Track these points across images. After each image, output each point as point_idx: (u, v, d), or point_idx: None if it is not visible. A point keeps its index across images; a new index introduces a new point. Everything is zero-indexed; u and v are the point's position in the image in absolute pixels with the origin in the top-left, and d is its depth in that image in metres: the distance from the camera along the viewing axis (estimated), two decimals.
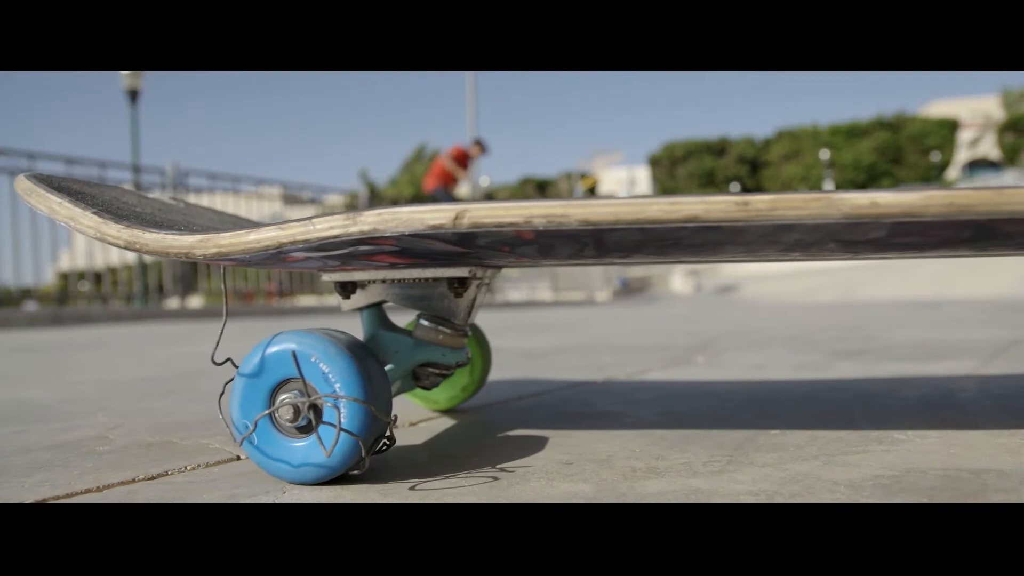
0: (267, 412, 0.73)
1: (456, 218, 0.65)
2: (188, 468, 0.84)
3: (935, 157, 43.92)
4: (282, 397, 0.73)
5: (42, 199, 0.78)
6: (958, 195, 0.59)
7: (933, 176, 43.28)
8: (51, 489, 0.76)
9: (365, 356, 0.75)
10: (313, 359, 0.72)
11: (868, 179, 43.75)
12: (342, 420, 0.71)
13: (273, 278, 9.16)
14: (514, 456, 0.86)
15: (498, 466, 0.81)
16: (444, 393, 1.17)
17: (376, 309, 0.91)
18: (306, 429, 0.74)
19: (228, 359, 0.72)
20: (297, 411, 0.73)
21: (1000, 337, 2.36)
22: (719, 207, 0.61)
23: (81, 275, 9.89)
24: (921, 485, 0.69)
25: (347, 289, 0.91)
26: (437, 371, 0.91)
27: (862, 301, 8.09)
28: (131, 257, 8.66)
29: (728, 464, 0.79)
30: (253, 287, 8.79)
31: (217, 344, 0.74)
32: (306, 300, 8.54)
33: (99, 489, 0.76)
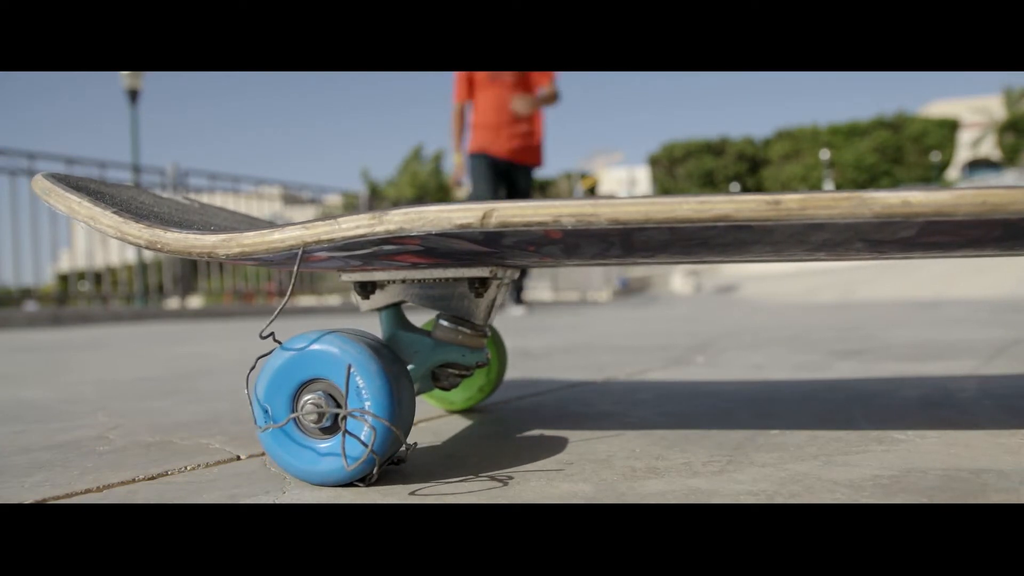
0: (293, 416, 0.73)
1: (484, 217, 0.64)
2: (188, 468, 0.84)
3: (935, 157, 43.95)
4: (306, 397, 0.73)
5: (61, 198, 0.77)
6: (991, 194, 0.58)
7: (933, 176, 43.29)
8: (51, 489, 0.76)
9: (401, 377, 0.75)
10: (352, 370, 0.72)
11: (868, 179, 43.77)
12: (364, 435, 0.71)
13: (273, 278, 9.15)
14: (514, 456, 0.86)
15: (498, 466, 0.81)
16: (461, 394, 1.17)
17: (395, 309, 0.91)
18: (326, 431, 0.74)
19: (271, 334, 0.72)
20: (322, 415, 0.73)
21: (1000, 337, 2.36)
22: (749, 206, 0.61)
23: (81, 275, 9.89)
24: (921, 485, 0.69)
25: (367, 289, 0.90)
26: (456, 372, 0.90)
27: (861, 301, 8.09)
28: (131, 257, 8.66)
29: (728, 464, 0.79)
30: (253, 287, 8.79)
31: (270, 322, 0.73)
32: (306, 300, 8.54)
33: (99, 489, 0.76)
